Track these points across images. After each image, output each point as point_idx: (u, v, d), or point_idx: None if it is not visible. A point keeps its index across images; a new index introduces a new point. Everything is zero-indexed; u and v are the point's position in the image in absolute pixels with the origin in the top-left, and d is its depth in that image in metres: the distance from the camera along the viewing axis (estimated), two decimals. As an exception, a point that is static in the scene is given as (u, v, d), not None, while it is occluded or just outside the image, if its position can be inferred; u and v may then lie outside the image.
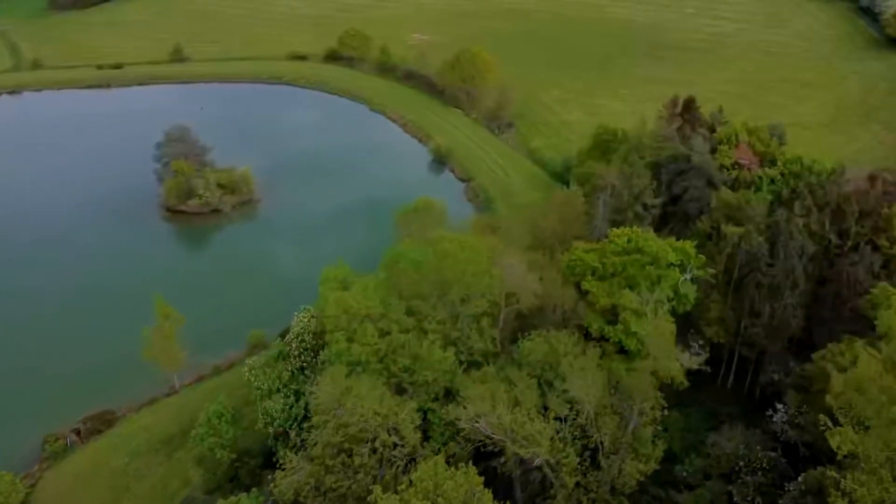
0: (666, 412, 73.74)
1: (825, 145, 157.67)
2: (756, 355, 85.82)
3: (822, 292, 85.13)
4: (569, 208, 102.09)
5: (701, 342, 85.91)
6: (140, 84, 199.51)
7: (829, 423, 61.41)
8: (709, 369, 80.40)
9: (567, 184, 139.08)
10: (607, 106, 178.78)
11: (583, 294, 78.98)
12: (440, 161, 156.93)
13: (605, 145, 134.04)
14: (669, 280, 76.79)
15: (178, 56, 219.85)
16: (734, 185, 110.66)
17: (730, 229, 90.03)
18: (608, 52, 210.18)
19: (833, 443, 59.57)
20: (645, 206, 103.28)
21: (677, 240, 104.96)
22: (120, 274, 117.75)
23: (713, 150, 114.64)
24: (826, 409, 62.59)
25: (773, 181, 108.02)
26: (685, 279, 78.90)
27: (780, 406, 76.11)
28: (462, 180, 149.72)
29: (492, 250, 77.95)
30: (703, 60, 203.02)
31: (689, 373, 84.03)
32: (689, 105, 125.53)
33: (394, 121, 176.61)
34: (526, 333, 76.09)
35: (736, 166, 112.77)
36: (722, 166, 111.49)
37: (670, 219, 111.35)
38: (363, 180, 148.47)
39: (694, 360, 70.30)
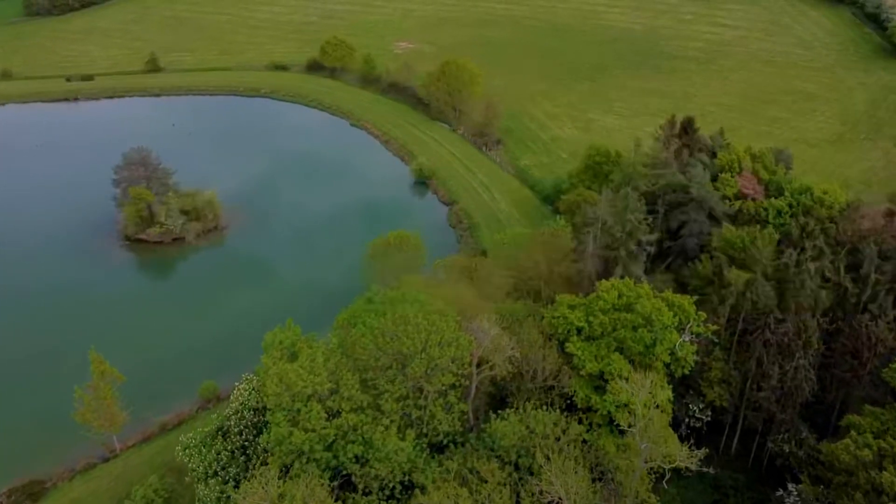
0: (662, 484, 64.47)
1: (831, 164, 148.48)
2: (763, 421, 76.18)
3: (838, 348, 75.54)
4: (555, 245, 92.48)
5: (701, 405, 76.48)
6: (110, 97, 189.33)
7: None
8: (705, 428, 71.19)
9: (556, 209, 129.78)
10: (600, 121, 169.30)
11: (567, 357, 69.35)
12: (423, 182, 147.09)
13: (596, 167, 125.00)
14: (665, 343, 67.13)
15: (153, 66, 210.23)
16: (737, 217, 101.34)
17: (735, 275, 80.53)
18: (602, 62, 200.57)
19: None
20: (639, 243, 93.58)
21: (675, 280, 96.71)
22: (62, 315, 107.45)
23: (714, 178, 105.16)
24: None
25: (780, 213, 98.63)
26: (683, 341, 69.24)
27: (792, 488, 66.50)
28: (446, 203, 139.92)
29: (463, 308, 68.21)
30: (702, 71, 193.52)
31: (689, 436, 74.73)
32: (688, 126, 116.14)
33: (375, 137, 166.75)
34: (502, 403, 66.60)
35: (739, 196, 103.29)
36: (724, 196, 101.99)
37: (667, 253, 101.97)
38: (340, 204, 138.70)
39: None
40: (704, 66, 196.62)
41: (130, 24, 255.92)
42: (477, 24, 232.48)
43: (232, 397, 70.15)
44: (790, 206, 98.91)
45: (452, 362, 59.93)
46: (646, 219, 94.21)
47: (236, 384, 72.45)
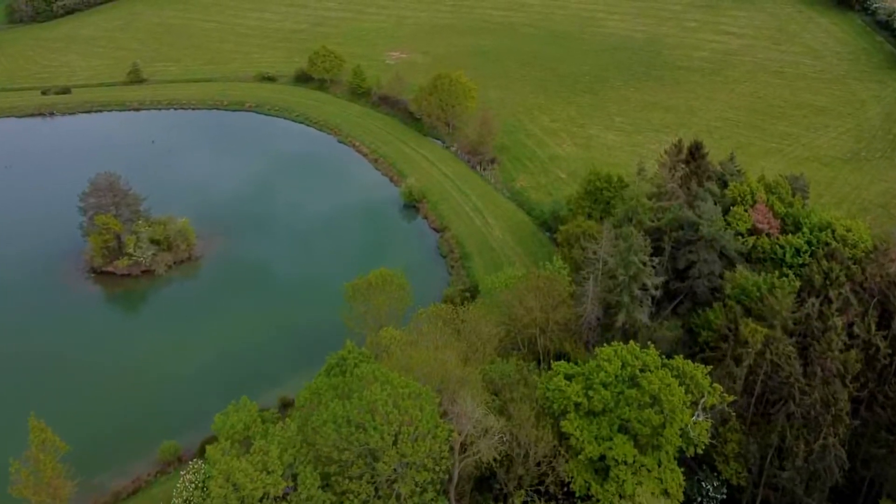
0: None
1: (847, 186, 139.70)
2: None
3: (871, 419, 66.91)
4: (551, 290, 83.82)
5: (716, 483, 67.84)
6: (87, 112, 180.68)
7: None
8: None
9: (555, 236, 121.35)
10: (601, 137, 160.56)
11: (563, 437, 60.74)
12: (413, 205, 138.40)
13: (597, 193, 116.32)
14: (676, 424, 58.53)
15: (135, 77, 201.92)
16: (751, 255, 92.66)
17: (751, 330, 71.82)
18: (602, 72, 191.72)
19: None
20: (644, 287, 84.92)
21: (683, 325, 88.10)
22: (11, 361, 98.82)
23: (725, 211, 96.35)
24: None
25: (798, 252, 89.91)
26: (696, 420, 60.63)
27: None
28: (436, 230, 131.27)
29: (446, 377, 59.55)
30: (707, 82, 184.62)
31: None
32: (695, 151, 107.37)
33: (364, 155, 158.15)
34: (489, 485, 57.98)
35: (753, 231, 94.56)
36: (736, 232, 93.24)
37: (674, 294, 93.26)
38: (323, 231, 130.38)
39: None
40: (709, 77, 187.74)
41: (116, 31, 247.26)
42: (472, 31, 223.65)
43: (174, 494, 61.45)
44: (809, 243, 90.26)
45: (429, 457, 51.47)
46: (651, 259, 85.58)
47: (182, 473, 63.83)
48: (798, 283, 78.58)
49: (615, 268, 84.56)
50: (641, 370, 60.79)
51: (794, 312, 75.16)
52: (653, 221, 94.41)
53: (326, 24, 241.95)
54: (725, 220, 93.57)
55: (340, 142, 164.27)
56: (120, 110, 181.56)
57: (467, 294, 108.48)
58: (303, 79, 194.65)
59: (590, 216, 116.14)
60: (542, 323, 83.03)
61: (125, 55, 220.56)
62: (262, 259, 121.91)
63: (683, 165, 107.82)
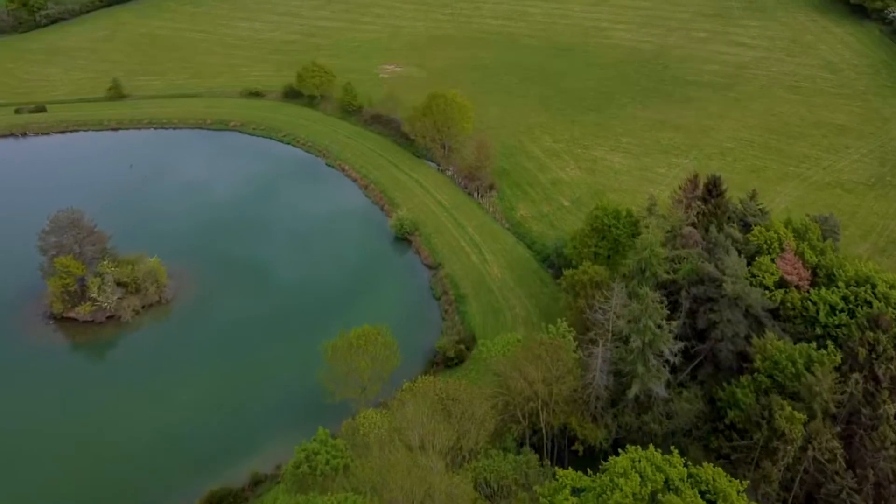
0: None
1: (873, 216, 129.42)
2: None
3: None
4: (556, 360, 73.67)
5: None
6: (62, 131, 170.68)
7: None
8: None
9: (559, 281, 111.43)
10: (606, 160, 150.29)
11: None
12: (404, 238, 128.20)
13: (604, 230, 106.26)
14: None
15: (115, 93, 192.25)
16: (779, 311, 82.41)
17: (788, 416, 61.61)
18: (608, 88, 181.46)
19: None
20: (660, 354, 74.77)
21: (704, 395, 78.05)
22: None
23: (749, 259, 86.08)
24: None
25: (833, 310, 79.55)
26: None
27: None
28: (429, 267, 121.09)
29: (428, 495, 49.41)
30: (719, 98, 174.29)
31: None
32: (713, 188, 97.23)
33: (353, 180, 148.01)
34: None
35: (780, 284, 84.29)
36: (762, 286, 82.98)
37: (693, 355, 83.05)
38: (306, 268, 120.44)
39: None
40: (721, 92, 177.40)
41: (99, 42, 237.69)
42: (470, 43, 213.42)
43: None
44: (845, 300, 79.95)
45: None
46: (669, 322, 75.43)
47: None
48: (839, 356, 68.29)
49: (628, 332, 74.44)
50: (664, 485, 50.71)
51: (836, 393, 64.89)
52: (668, 273, 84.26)
53: (319, 34, 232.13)
54: (750, 271, 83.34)
55: (329, 165, 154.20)
56: (97, 130, 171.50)
57: (462, 347, 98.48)
58: (291, 95, 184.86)
59: (596, 256, 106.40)
60: (544, 396, 72.91)
61: (108, 68, 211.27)
62: (240, 302, 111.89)
63: (700, 203, 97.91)
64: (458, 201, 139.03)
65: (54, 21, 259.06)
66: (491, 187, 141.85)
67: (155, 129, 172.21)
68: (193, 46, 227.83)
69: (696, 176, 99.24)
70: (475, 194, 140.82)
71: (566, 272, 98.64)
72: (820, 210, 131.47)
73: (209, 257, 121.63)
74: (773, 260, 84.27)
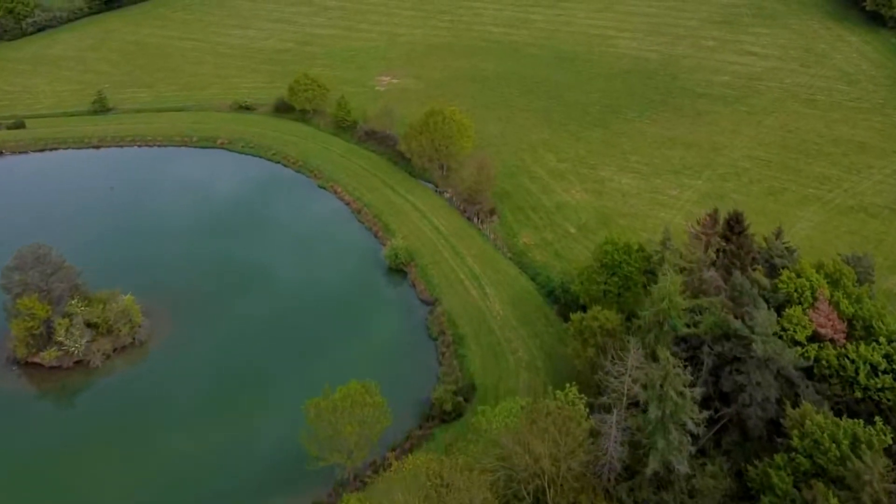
0: None
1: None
2: None
3: None
4: (564, 433, 65.32)
5: None
6: (41, 150, 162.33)
7: None
8: None
9: (564, 308, 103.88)
10: (614, 181, 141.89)
11: None
12: (399, 269, 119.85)
13: (615, 267, 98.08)
14: None
15: (100, 106, 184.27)
16: (812, 370, 74.07)
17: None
18: (614, 101, 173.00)
19: None
20: (683, 426, 66.37)
21: (730, 468, 69.61)
22: None
23: (778, 308, 77.67)
24: None
25: (875, 370, 71.21)
26: None
27: None
28: (426, 302, 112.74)
29: None
30: (731, 112, 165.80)
31: None
32: (735, 224, 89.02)
33: (346, 203, 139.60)
34: None
35: (813, 338, 75.93)
36: (794, 341, 74.63)
37: (717, 419, 74.66)
38: (292, 303, 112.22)
39: None
40: (733, 106, 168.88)
41: (87, 51, 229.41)
42: (470, 52, 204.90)
43: None
44: (888, 357, 71.59)
45: None
46: (692, 386, 67.08)
47: None
48: (889, 436, 59.86)
49: (646, 400, 66.09)
50: None
51: (889, 481, 56.48)
52: (689, 326, 75.88)
53: (314, 42, 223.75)
54: (779, 323, 74.94)
55: (320, 186, 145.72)
56: (77, 147, 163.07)
57: (459, 399, 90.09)
58: (283, 108, 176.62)
59: (606, 294, 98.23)
60: (552, 473, 64.55)
61: (93, 79, 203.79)
62: (219, 344, 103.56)
63: (720, 240, 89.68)
64: (457, 227, 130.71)
65: (41, 29, 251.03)
66: (492, 212, 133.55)
67: (138, 146, 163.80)
68: (183, 56, 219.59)
69: (715, 211, 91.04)
70: (475, 219, 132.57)
71: (574, 316, 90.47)
72: (843, 238, 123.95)
73: (188, 292, 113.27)
74: (804, 311, 75.81)
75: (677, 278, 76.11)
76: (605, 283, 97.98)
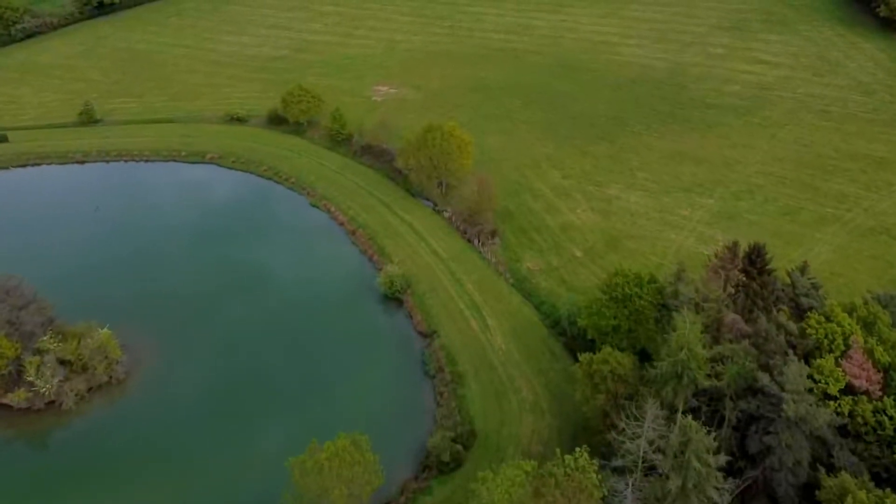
0: None
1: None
2: None
3: None
4: (575, 493, 58.59)
5: None
6: (23, 165, 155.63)
7: None
8: None
9: (571, 341, 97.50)
10: (622, 199, 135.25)
11: None
12: (394, 297, 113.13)
13: (626, 300, 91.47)
14: None
15: (87, 117, 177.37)
16: (846, 428, 67.24)
17: None
18: (620, 113, 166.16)
19: None
20: (706, 497, 59.64)
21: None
22: None
23: (805, 357, 70.90)
24: None
25: (915, 428, 64.21)
26: None
27: None
28: (422, 334, 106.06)
29: None
30: (743, 125, 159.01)
31: None
32: (756, 259, 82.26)
33: (340, 223, 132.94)
34: None
35: (846, 390, 69.14)
36: (825, 394, 67.86)
37: (740, 474, 67.89)
38: (280, 337, 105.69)
39: None
40: (745, 118, 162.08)
41: (76, 58, 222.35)
42: (471, 60, 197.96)
43: None
44: (930, 415, 64.85)
45: None
46: (717, 452, 60.32)
47: None
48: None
49: (666, 470, 59.33)
50: None
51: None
52: (710, 377, 69.09)
53: (310, 49, 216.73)
54: (809, 374, 68.19)
55: (313, 205, 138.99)
56: (61, 163, 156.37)
57: (458, 447, 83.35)
58: (276, 121, 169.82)
59: (616, 329, 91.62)
60: (560, 550, 57.85)
61: (82, 88, 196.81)
62: (201, 382, 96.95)
63: (740, 274, 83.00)
64: (457, 250, 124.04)
65: (31, 35, 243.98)
66: (493, 233, 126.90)
67: (125, 161, 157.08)
68: (175, 64, 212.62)
69: (735, 244, 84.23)
70: (475, 241, 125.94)
71: (582, 358, 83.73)
72: (865, 262, 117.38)
73: (170, 324, 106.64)
74: (837, 361, 69.03)
75: (697, 324, 69.32)
76: (615, 318, 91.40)
